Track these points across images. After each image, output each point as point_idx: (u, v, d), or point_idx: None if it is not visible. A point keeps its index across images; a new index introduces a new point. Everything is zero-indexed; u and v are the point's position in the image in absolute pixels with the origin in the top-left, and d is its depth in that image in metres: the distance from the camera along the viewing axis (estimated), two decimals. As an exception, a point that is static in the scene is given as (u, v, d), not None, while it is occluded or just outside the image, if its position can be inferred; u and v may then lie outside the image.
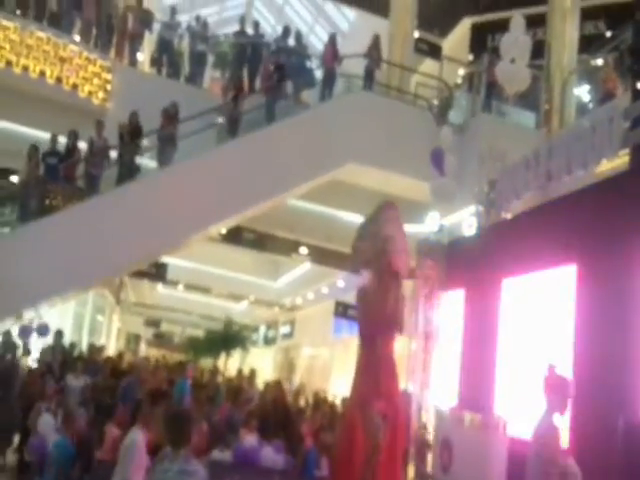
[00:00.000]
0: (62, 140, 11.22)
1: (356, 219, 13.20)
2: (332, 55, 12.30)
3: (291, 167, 11.31)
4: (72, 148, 11.01)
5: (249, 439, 7.86)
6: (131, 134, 10.93)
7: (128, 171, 10.96)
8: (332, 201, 12.62)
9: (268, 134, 11.56)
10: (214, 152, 11.42)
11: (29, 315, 12.56)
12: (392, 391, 5.07)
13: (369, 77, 12.53)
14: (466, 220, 8.62)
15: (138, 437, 5.28)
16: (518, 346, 6.21)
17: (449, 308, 7.66)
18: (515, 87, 8.44)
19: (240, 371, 13.03)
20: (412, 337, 7.95)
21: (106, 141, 11.06)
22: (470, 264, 7.32)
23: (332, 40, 12.80)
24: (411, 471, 7.00)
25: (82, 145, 11.26)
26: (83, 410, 7.49)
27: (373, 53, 12.68)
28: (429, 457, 6.76)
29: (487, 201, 7.69)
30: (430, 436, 6.86)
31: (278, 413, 8.36)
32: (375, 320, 5.12)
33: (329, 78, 12.29)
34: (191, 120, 10.96)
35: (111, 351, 18.80)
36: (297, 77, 13.11)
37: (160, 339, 28.60)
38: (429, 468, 6.70)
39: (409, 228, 11.35)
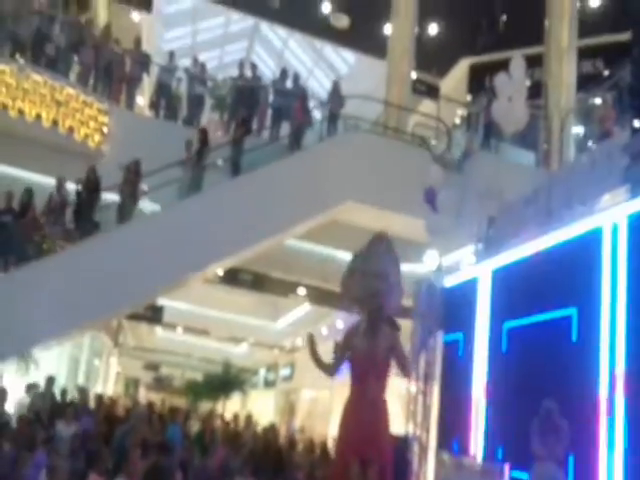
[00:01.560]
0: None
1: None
2: (301, 111, 12.32)
3: (289, 207, 11.26)
4: (26, 206, 10.80)
5: None
6: (88, 189, 10.81)
7: (86, 227, 10.80)
8: (330, 241, 12.51)
9: (266, 174, 11.56)
10: (210, 192, 11.39)
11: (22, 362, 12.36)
12: (378, 436, 4.85)
13: (332, 122, 12.66)
14: (465, 259, 8.45)
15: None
16: (521, 388, 5.95)
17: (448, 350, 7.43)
18: (512, 126, 8.37)
19: (236, 416, 12.68)
20: (411, 379, 7.68)
21: (65, 197, 10.93)
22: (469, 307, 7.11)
23: (303, 96, 12.92)
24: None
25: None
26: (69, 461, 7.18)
27: (334, 99, 12.81)
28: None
29: (486, 239, 7.53)
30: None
31: (270, 457, 8.10)
32: (364, 363, 4.91)
33: (298, 133, 12.25)
34: (154, 174, 10.91)
35: (108, 395, 18.37)
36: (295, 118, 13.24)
37: (159, 383, 28.12)
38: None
39: (407, 267, 11.28)
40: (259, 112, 13.58)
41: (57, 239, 10.65)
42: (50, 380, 11.52)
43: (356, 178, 11.40)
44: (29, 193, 10.89)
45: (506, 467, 5.30)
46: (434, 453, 6.66)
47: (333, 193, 11.45)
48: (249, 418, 10.82)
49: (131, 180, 10.91)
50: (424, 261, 8.60)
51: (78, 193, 10.81)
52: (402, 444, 7.34)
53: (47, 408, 10.33)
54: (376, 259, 5.00)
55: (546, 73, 11.21)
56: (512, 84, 8.18)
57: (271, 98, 13.66)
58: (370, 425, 4.82)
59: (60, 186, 10.92)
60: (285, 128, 13.42)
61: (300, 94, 13.18)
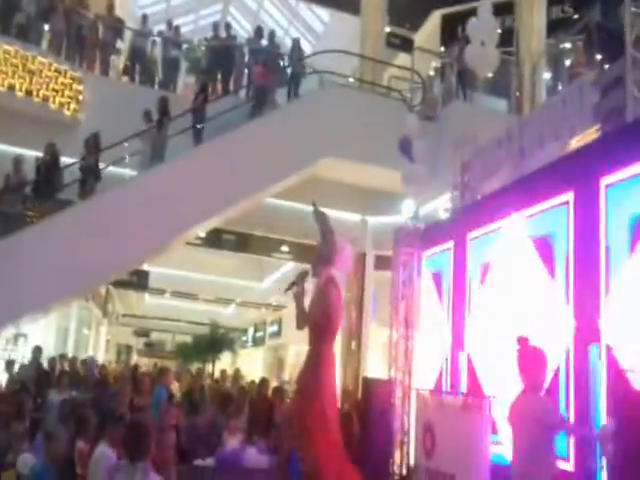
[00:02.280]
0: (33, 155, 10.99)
1: (334, 214, 13.18)
2: (261, 75, 12.18)
3: (267, 167, 11.24)
4: None
5: (232, 442, 7.85)
6: (47, 166, 10.66)
7: (46, 205, 10.58)
8: (310, 197, 12.51)
9: (242, 133, 11.49)
10: (185, 155, 11.32)
11: (10, 331, 12.39)
12: (309, 388, 4.97)
13: (295, 82, 12.51)
14: (442, 206, 8.57)
15: (105, 452, 5.11)
16: (495, 316, 6.13)
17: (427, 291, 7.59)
18: (485, 70, 8.42)
19: (224, 372, 12.86)
20: (392, 324, 7.88)
21: (23, 178, 10.76)
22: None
23: (263, 62, 12.75)
24: (397, 459, 6.91)
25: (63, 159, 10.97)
26: (64, 429, 7.28)
27: (294, 57, 12.73)
28: (412, 444, 6.68)
29: (461, 184, 7.64)
30: (412, 422, 6.79)
31: (262, 411, 8.28)
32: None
33: (260, 97, 12.08)
34: (118, 144, 10.83)
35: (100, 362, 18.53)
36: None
37: (151, 348, 28.60)
38: (412, 455, 6.60)
39: (387, 219, 11.38)
40: (235, 72, 13.44)
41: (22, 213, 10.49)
42: (37, 350, 11.60)
43: (334, 134, 11.38)
44: None
45: (489, 400, 5.44)
46: (416, 394, 6.85)
47: (311, 150, 11.44)
48: (237, 372, 11.01)
49: (90, 154, 10.75)
50: (402, 211, 8.68)
51: (37, 169, 10.64)
52: (386, 388, 7.57)
53: (33, 377, 10.41)
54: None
55: (517, 20, 11.21)
56: (483, 27, 8.21)
57: (247, 57, 13.52)
58: (303, 380, 5.08)
59: (18, 166, 10.69)
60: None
61: (273, 53, 13.05)
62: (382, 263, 11.34)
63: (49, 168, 10.59)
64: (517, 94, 9.86)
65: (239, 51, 13.70)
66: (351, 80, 13.82)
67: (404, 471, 6.88)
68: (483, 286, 6.40)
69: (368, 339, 12.13)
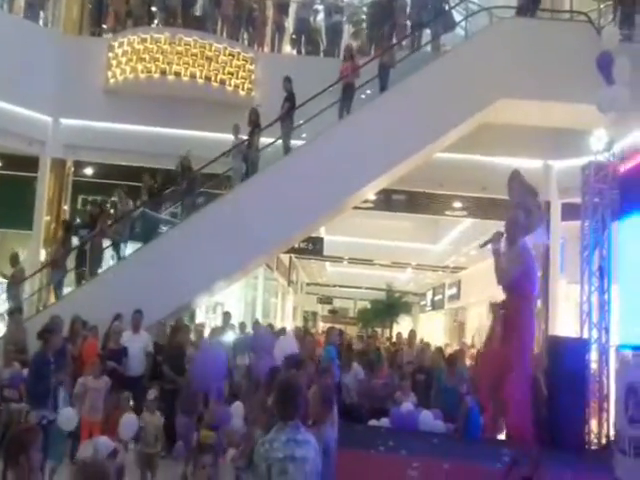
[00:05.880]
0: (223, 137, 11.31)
1: (511, 162, 12.01)
2: (351, 69, 11.16)
3: (434, 117, 10.53)
4: (95, 218, 11.53)
5: (405, 404, 7.63)
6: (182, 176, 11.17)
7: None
8: (483, 147, 11.57)
9: (407, 86, 10.85)
10: (354, 115, 10.94)
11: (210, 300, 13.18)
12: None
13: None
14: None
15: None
16: None
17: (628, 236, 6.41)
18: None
19: (400, 334, 12.52)
20: (584, 276, 6.83)
21: (128, 206, 11.36)
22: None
23: (350, 51, 11.65)
24: (594, 426, 5.97)
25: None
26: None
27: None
28: (612, 409, 5.69)
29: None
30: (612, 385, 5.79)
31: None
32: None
33: (347, 92, 11.12)
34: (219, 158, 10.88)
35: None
36: (434, 23, 12.26)
37: (334, 314, 29.64)
38: (612, 421, 5.62)
39: (575, 162, 10.06)
40: (397, 26, 12.79)
41: None
42: (226, 315, 12.17)
43: (508, 72, 10.30)
44: (99, 206, 11.94)
45: None
46: (616, 353, 5.84)
47: (481, 93, 10.46)
48: (412, 334, 10.60)
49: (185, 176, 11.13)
50: (591, 145, 7.45)
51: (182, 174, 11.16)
52: (578, 347, 6.60)
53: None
54: (512, 192, 5.83)
55: None
56: None
57: (409, 6, 12.76)
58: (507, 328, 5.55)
59: (122, 196, 11.52)
60: (426, 36, 12.55)
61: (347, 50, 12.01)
62: (570, 212, 10.06)
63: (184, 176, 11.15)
64: None
65: (401, 0, 13.00)
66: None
67: (602, 440, 5.92)
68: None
69: (556, 297, 10.91)
